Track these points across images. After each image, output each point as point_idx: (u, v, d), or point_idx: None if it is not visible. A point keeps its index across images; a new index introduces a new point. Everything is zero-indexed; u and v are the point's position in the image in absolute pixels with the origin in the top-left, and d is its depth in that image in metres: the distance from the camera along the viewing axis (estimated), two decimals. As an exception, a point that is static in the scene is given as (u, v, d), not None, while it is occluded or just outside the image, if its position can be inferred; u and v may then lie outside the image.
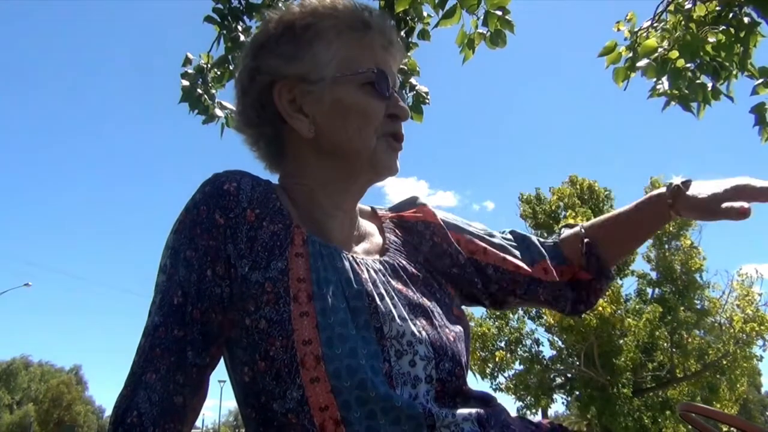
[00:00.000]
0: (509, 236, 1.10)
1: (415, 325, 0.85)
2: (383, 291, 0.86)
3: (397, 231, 1.01)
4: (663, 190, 1.00)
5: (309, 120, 0.91)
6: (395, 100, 0.93)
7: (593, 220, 1.12)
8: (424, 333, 0.85)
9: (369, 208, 1.06)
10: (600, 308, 16.12)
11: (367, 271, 0.88)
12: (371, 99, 0.90)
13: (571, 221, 17.68)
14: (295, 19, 0.92)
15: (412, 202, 1.08)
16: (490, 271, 1.03)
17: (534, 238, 1.11)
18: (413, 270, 0.95)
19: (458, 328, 0.92)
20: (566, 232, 1.12)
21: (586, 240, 1.06)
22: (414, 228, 1.03)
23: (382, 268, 0.91)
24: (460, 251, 1.01)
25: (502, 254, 1.04)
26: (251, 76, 0.94)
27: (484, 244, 1.04)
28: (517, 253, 1.06)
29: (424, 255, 0.99)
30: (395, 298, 0.87)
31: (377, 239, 0.99)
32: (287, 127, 0.92)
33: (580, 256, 1.07)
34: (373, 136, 0.90)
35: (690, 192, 0.95)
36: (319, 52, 0.90)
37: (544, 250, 1.08)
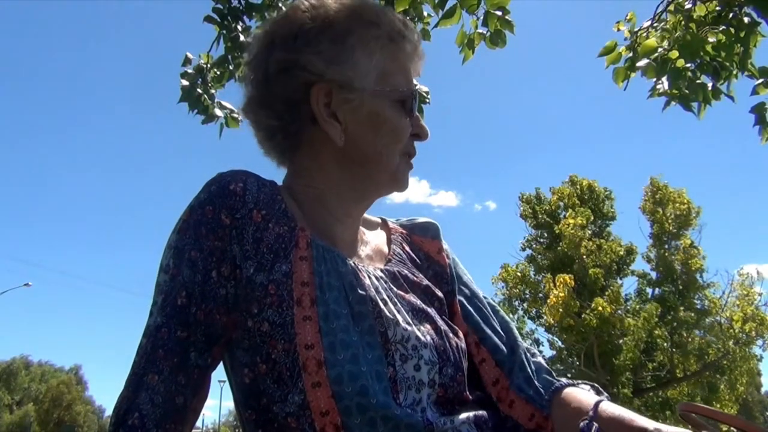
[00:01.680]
0: (508, 337, 0.97)
1: (419, 329, 0.85)
2: (386, 297, 0.86)
3: (404, 245, 1.01)
4: None
5: (342, 127, 0.89)
6: (417, 120, 0.93)
7: (617, 412, 0.83)
8: (428, 337, 0.85)
9: (379, 219, 1.06)
10: (600, 308, 16.15)
11: (369, 277, 0.87)
12: (402, 117, 0.91)
13: (571, 221, 17.72)
14: (336, 19, 0.89)
15: (426, 228, 1.06)
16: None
17: (535, 360, 0.96)
18: (414, 278, 0.94)
19: (460, 335, 0.92)
20: (580, 393, 0.90)
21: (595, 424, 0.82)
22: (420, 248, 1.03)
23: (383, 275, 0.91)
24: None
25: (487, 352, 0.94)
26: (284, 68, 0.89)
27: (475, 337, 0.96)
28: (505, 365, 0.93)
29: (425, 272, 0.99)
30: (398, 303, 0.87)
31: (382, 249, 0.98)
32: (316, 128, 0.90)
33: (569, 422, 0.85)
34: (398, 153, 0.91)
35: None
36: (361, 60, 0.88)
37: (535, 384, 0.92)
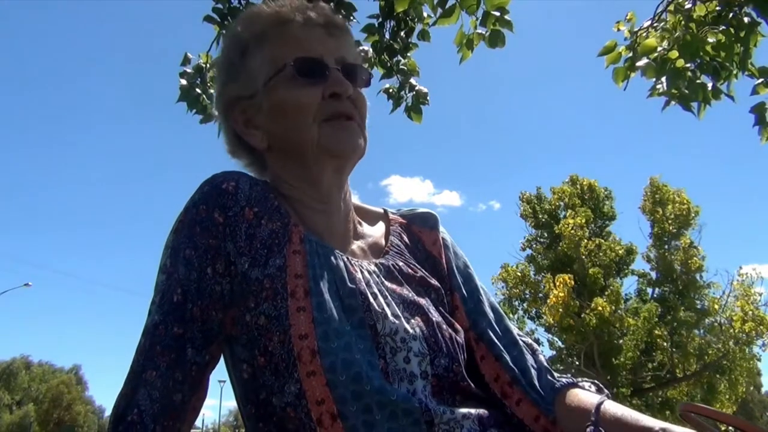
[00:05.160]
0: (515, 337, 0.96)
1: (408, 322, 0.85)
2: (377, 290, 0.87)
3: (403, 236, 1.01)
4: None
5: (261, 132, 0.93)
6: (332, 80, 0.90)
7: (620, 412, 0.82)
8: (417, 330, 0.85)
9: (381, 210, 1.06)
10: (600, 308, 16.15)
11: (361, 271, 0.88)
12: (302, 89, 0.90)
13: (571, 221, 17.72)
14: (225, 48, 0.99)
15: (425, 219, 1.05)
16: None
17: (538, 359, 0.95)
18: (409, 270, 0.94)
19: (456, 326, 0.92)
20: (581, 394, 0.89)
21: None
22: (419, 239, 1.03)
23: (376, 269, 0.91)
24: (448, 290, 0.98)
25: (490, 353, 0.93)
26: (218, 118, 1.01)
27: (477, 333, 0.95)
28: (507, 359, 0.93)
29: (423, 262, 0.99)
30: (389, 297, 0.87)
31: (380, 241, 0.99)
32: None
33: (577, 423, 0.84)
34: (312, 124, 0.89)
35: None
36: (251, 65, 0.93)
37: (540, 383, 0.91)
